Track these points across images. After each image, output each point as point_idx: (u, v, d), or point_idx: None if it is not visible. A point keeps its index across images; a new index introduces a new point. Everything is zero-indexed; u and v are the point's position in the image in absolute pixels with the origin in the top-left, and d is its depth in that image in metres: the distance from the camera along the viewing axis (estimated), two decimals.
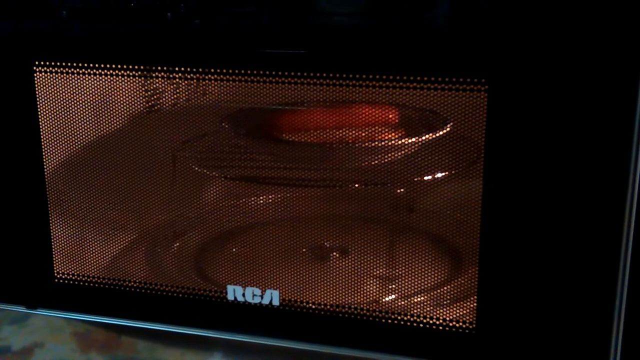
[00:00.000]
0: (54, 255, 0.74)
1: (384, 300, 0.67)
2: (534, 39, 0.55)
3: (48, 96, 0.69)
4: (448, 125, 0.65)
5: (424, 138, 0.70)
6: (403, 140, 0.70)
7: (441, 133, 0.67)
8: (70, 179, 0.72)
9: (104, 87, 0.68)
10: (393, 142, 0.71)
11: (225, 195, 0.79)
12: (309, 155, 0.73)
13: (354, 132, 0.69)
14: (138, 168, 0.72)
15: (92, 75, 0.67)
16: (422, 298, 0.67)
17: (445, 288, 0.69)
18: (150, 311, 0.73)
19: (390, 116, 0.72)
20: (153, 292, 0.72)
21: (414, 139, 0.70)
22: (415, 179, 0.69)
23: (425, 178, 0.68)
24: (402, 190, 0.71)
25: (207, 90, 0.69)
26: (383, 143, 0.71)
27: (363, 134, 0.70)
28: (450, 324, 0.64)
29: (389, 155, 0.71)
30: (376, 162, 0.71)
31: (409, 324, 0.65)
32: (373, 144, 0.71)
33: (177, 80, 0.66)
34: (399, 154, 0.71)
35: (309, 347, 0.69)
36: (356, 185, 0.71)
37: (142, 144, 0.71)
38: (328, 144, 0.70)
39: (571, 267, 0.59)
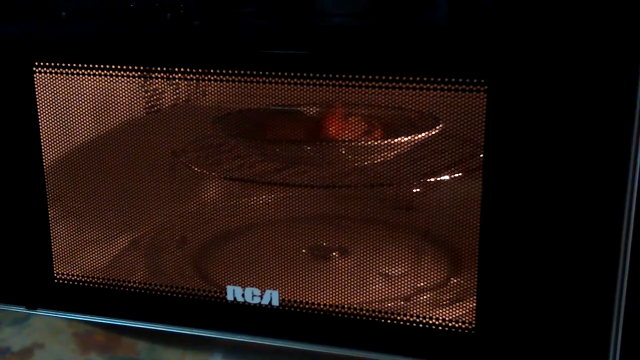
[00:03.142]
0: (53, 256, 0.74)
1: (383, 300, 0.67)
2: (534, 39, 0.55)
3: (48, 97, 0.69)
4: (441, 124, 0.65)
5: (421, 137, 0.70)
6: (400, 140, 0.71)
7: (435, 131, 0.67)
8: (70, 179, 0.72)
9: (103, 87, 0.68)
10: (390, 141, 0.71)
11: (224, 195, 0.79)
12: (304, 155, 0.73)
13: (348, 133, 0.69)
14: (138, 168, 0.72)
15: (91, 76, 0.67)
16: (422, 298, 0.67)
17: (444, 288, 0.69)
18: (150, 312, 0.73)
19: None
20: (153, 292, 0.72)
21: (410, 138, 0.70)
22: (415, 179, 0.69)
23: (425, 178, 0.68)
24: (401, 190, 0.71)
25: (206, 90, 0.69)
26: (379, 142, 0.71)
27: (357, 135, 0.70)
28: (450, 324, 0.64)
29: (386, 154, 0.71)
30: (371, 161, 0.71)
31: (408, 324, 0.65)
32: (369, 143, 0.71)
33: (177, 80, 0.66)
34: (395, 153, 0.71)
35: (309, 348, 0.69)
36: (363, 186, 0.71)
37: (142, 145, 0.71)
38: (323, 144, 0.70)
39: (571, 268, 0.59)
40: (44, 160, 0.71)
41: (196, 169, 0.76)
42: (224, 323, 0.71)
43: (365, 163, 0.72)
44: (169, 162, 0.74)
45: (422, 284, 0.66)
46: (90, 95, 0.69)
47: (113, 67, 0.66)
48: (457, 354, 0.64)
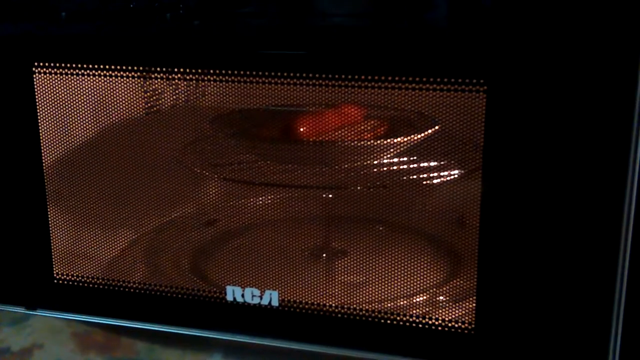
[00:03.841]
0: (53, 256, 0.74)
1: (383, 300, 0.67)
2: (533, 39, 0.55)
3: (47, 97, 0.69)
4: (440, 124, 0.65)
5: (420, 137, 0.70)
6: (399, 140, 0.71)
7: (434, 132, 0.67)
8: (70, 180, 0.72)
9: (103, 88, 0.68)
10: (389, 141, 0.71)
11: (224, 195, 0.79)
12: (301, 155, 0.73)
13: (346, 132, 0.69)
14: (137, 169, 0.72)
15: (91, 76, 0.67)
16: (422, 298, 0.67)
17: (444, 289, 0.69)
18: (149, 312, 0.73)
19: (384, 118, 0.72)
20: (152, 292, 0.72)
21: (410, 138, 0.70)
22: (414, 180, 0.69)
23: (424, 179, 0.68)
24: (400, 191, 0.71)
25: (206, 91, 0.69)
26: (379, 142, 0.71)
27: (354, 135, 0.70)
28: (450, 325, 0.64)
29: (385, 154, 0.71)
30: (371, 162, 0.71)
31: (408, 324, 0.65)
32: (368, 143, 0.71)
33: (176, 81, 0.66)
34: (395, 153, 0.71)
35: (308, 348, 0.69)
36: (359, 188, 0.71)
37: (141, 145, 0.72)
38: (322, 144, 0.70)
39: (570, 268, 0.59)
40: (43, 161, 0.71)
41: (196, 169, 0.76)
42: (224, 323, 0.71)
43: (365, 163, 0.72)
44: (169, 162, 0.74)
45: (421, 284, 0.66)
46: (90, 96, 0.69)
47: (113, 67, 0.66)
48: (456, 354, 0.64)
